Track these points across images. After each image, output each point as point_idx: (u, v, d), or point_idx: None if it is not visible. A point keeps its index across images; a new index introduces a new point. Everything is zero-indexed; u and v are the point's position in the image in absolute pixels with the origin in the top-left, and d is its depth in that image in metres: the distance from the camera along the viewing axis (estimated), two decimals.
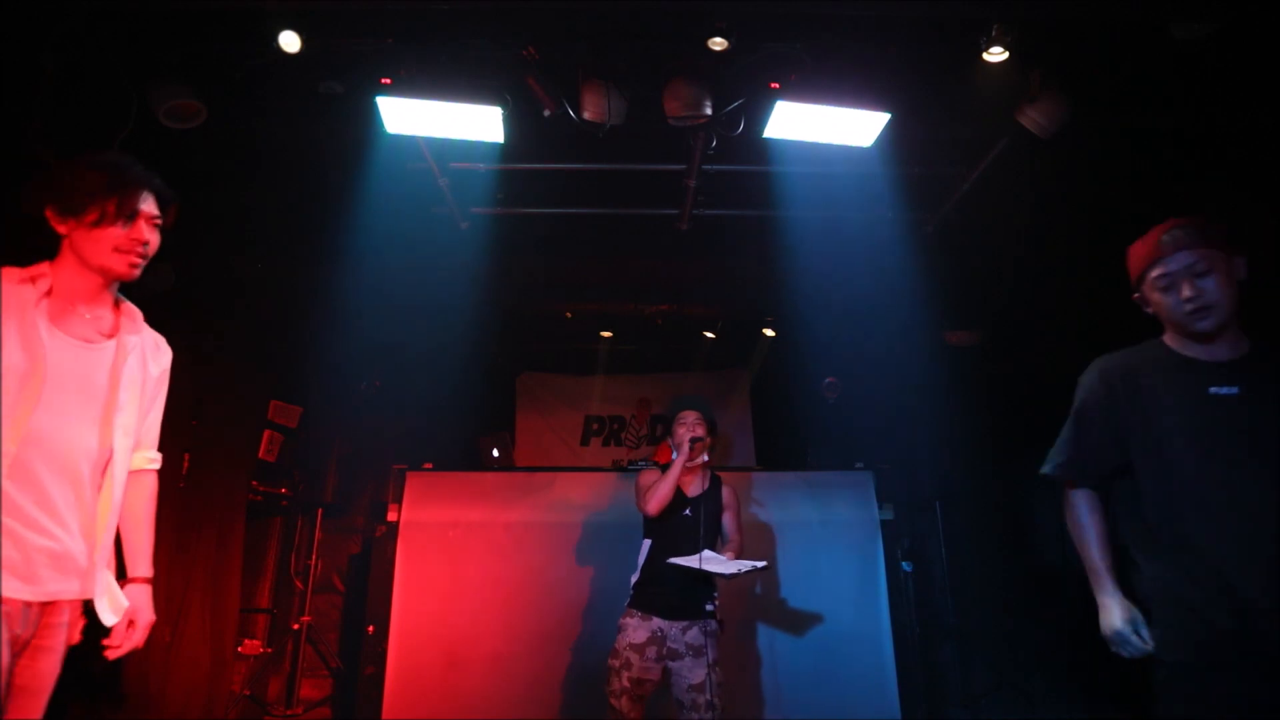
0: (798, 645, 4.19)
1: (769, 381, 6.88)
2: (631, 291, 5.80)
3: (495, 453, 5.21)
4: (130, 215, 1.77)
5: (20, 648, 1.68)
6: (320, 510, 4.83)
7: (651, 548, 3.35)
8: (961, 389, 4.97)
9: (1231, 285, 1.83)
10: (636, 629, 3.23)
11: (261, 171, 3.95)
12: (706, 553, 3.22)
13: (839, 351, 5.53)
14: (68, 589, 1.74)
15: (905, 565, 4.41)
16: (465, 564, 4.32)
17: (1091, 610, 2.04)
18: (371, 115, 3.42)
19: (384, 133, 3.54)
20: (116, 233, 1.76)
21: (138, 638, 1.92)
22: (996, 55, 3.09)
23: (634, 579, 3.37)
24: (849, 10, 3.09)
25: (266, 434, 4.78)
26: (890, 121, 3.42)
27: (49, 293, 1.75)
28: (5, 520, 1.62)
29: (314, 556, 4.77)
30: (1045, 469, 2.15)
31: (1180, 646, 1.82)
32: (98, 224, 1.74)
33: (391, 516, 4.36)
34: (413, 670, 4.11)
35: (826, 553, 4.39)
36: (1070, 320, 4.29)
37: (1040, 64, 3.30)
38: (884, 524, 4.43)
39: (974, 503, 4.92)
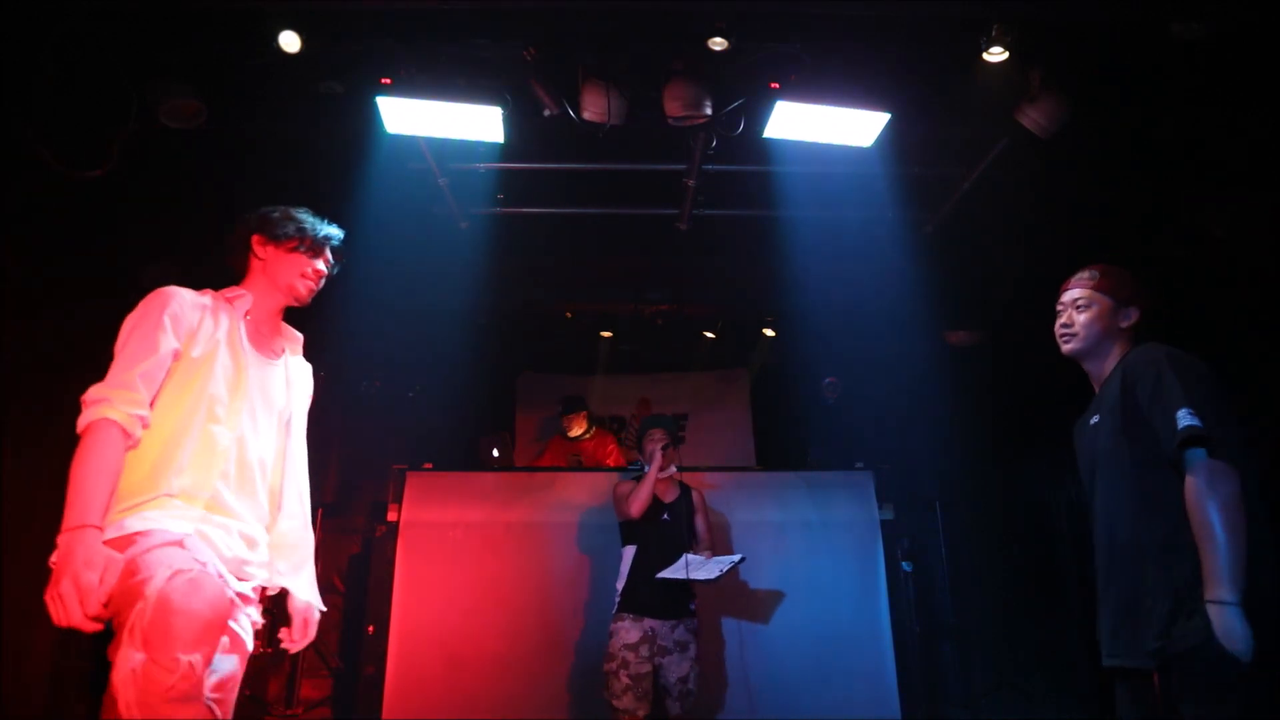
0: (798, 645, 4.18)
1: (769, 381, 6.88)
2: (631, 291, 5.80)
3: (495, 453, 5.21)
4: (319, 249, 2.09)
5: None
6: (320, 510, 4.83)
7: (637, 553, 3.55)
8: (961, 389, 4.97)
9: (1104, 325, 2.08)
10: (629, 630, 3.40)
11: (262, 171, 3.95)
12: (690, 558, 3.45)
13: (839, 351, 5.52)
14: (258, 573, 1.89)
15: (905, 565, 4.41)
16: (465, 564, 4.32)
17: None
18: (371, 115, 3.42)
19: (384, 133, 3.54)
20: (305, 261, 2.06)
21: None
22: (996, 55, 3.10)
23: (620, 585, 3.54)
24: (849, 10, 3.10)
25: None
26: (890, 121, 3.42)
27: (248, 312, 2.02)
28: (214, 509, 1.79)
29: (314, 557, 4.77)
30: None
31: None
32: (294, 250, 2.04)
33: (391, 516, 4.35)
34: (413, 670, 4.11)
35: (826, 553, 4.38)
36: None
37: (1040, 64, 3.31)
38: (884, 524, 4.42)
39: (974, 503, 4.91)
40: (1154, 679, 1.82)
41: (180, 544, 1.68)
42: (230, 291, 2.04)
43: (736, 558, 3.48)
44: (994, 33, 3.02)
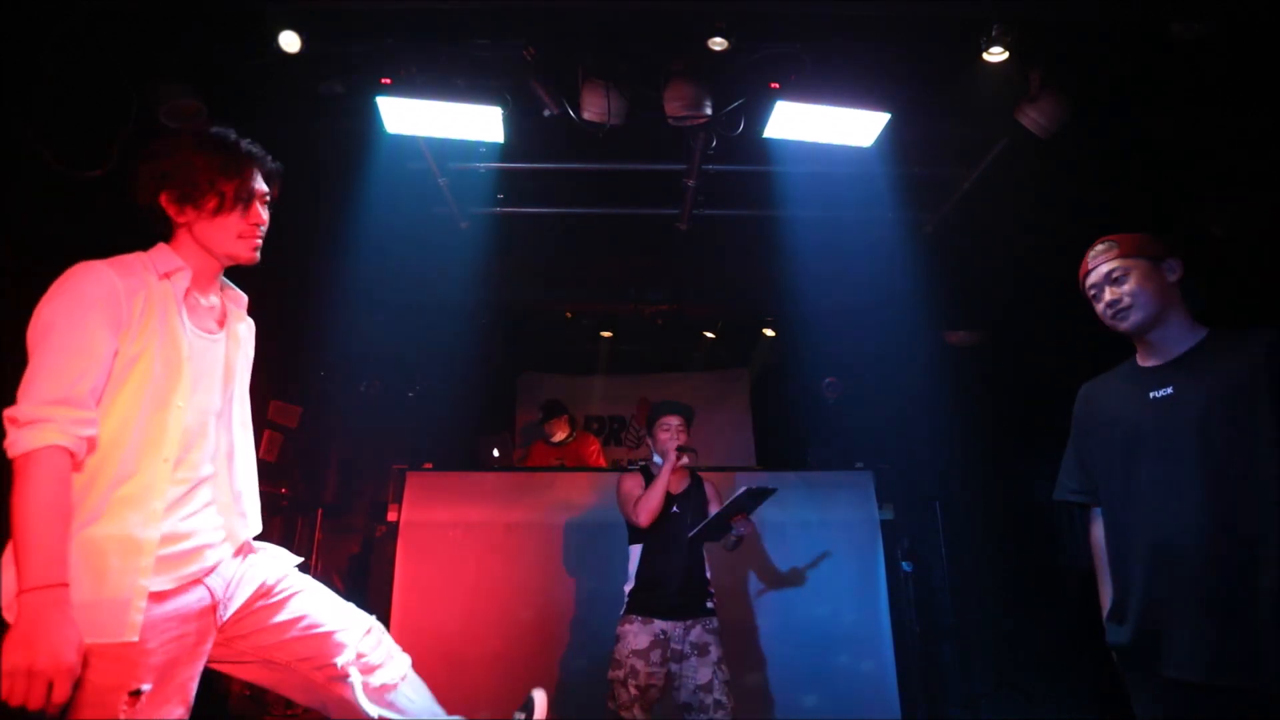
0: (798, 645, 4.18)
1: (769, 381, 6.89)
2: (631, 291, 5.81)
3: (495, 453, 5.21)
4: (248, 198, 1.69)
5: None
6: (320, 510, 4.84)
7: (644, 551, 3.29)
8: (961, 389, 4.97)
9: (1154, 286, 1.90)
10: (638, 634, 3.14)
11: None
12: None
13: (839, 351, 5.53)
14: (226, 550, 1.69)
15: (905, 565, 4.40)
16: (465, 564, 4.32)
17: (1090, 610, 2.06)
18: (371, 115, 3.42)
19: (384, 133, 3.54)
20: (236, 219, 1.68)
21: None
22: (996, 55, 3.09)
23: (628, 587, 3.30)
24: (849, 10, 3.10)
25: (266, 434, 4.78)
26: (890, 121, 3.42)
27: (189, 290, 1.67)
28: (168, 519, 1.56)
29: (314, 556, 4.77)
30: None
31: (1116, 651, 1.93)
32: (218, 211, 1.66)
33: (391, 516, 4.35)
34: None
35: (826, 553, 4.39)
36: (1070, 320, 4.29)
37: (1040, 64, 3.31)
38: (884, 524, 4.42)
39: (974, 503, 4.91)
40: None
41: (127, 651, 1.43)
42: (163, 259, 1.66)
43: (771, 487, 3.12)
44: (994, 33, 3.02)
